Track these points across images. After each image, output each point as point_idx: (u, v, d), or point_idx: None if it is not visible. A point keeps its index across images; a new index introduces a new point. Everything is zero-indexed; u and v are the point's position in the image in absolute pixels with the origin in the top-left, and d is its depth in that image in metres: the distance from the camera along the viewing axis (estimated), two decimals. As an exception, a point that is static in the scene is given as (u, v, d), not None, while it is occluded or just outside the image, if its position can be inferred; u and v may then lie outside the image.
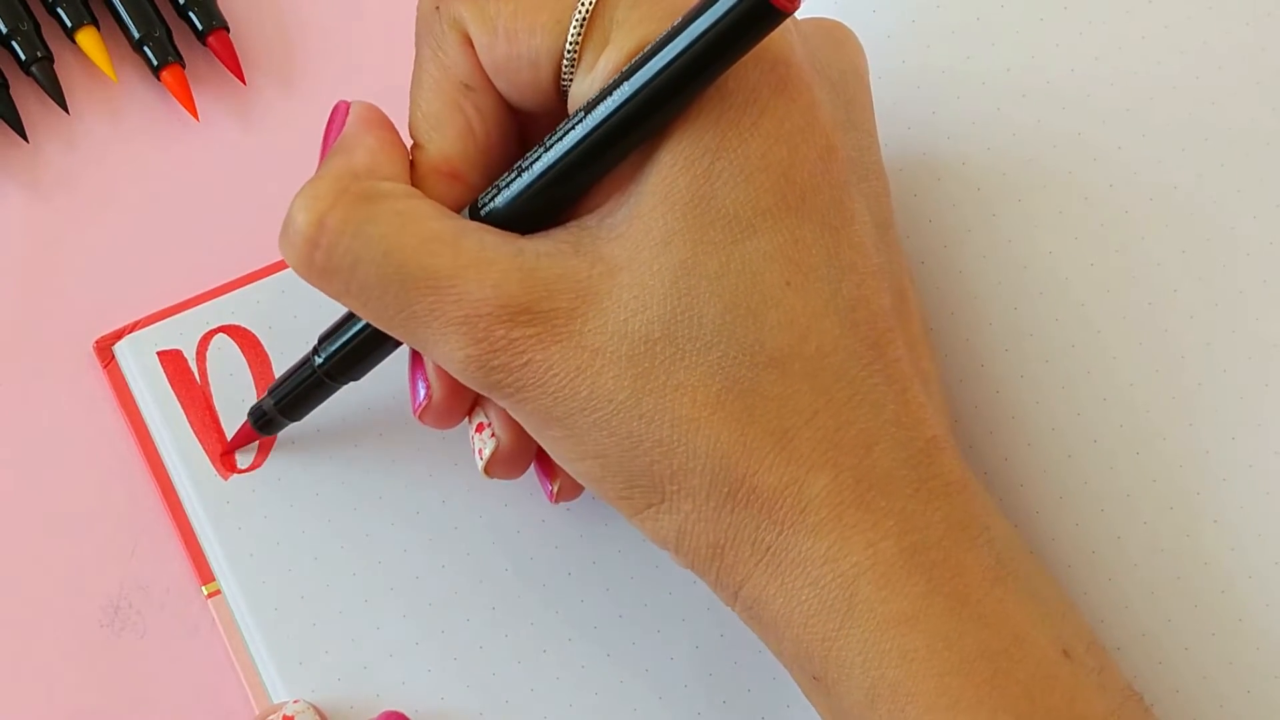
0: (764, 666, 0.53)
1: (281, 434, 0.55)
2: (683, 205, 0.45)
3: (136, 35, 0.59)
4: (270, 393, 0.54)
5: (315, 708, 0.52)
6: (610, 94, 0.45)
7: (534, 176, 0.47)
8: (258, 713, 0.53)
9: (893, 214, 0.50)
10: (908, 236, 0.54)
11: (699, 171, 0.45)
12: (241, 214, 0.58)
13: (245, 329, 0.56)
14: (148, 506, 0.55)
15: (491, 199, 0.47)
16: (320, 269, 0.46)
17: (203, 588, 0.54)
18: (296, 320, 0.56)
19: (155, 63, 0.59)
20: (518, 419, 0.48)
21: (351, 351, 0.51)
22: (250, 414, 0.54)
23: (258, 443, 0.55)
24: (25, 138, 0.59)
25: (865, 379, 0.46)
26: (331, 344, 0.51)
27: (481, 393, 0.47)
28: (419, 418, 0.51)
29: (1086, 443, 0.55)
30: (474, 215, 0.48)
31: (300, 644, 0.53)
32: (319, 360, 0.52)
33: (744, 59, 0.45)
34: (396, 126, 0.49)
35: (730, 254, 0.45)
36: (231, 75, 0.60)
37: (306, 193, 0.47)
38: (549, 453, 0.48)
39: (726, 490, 0.46)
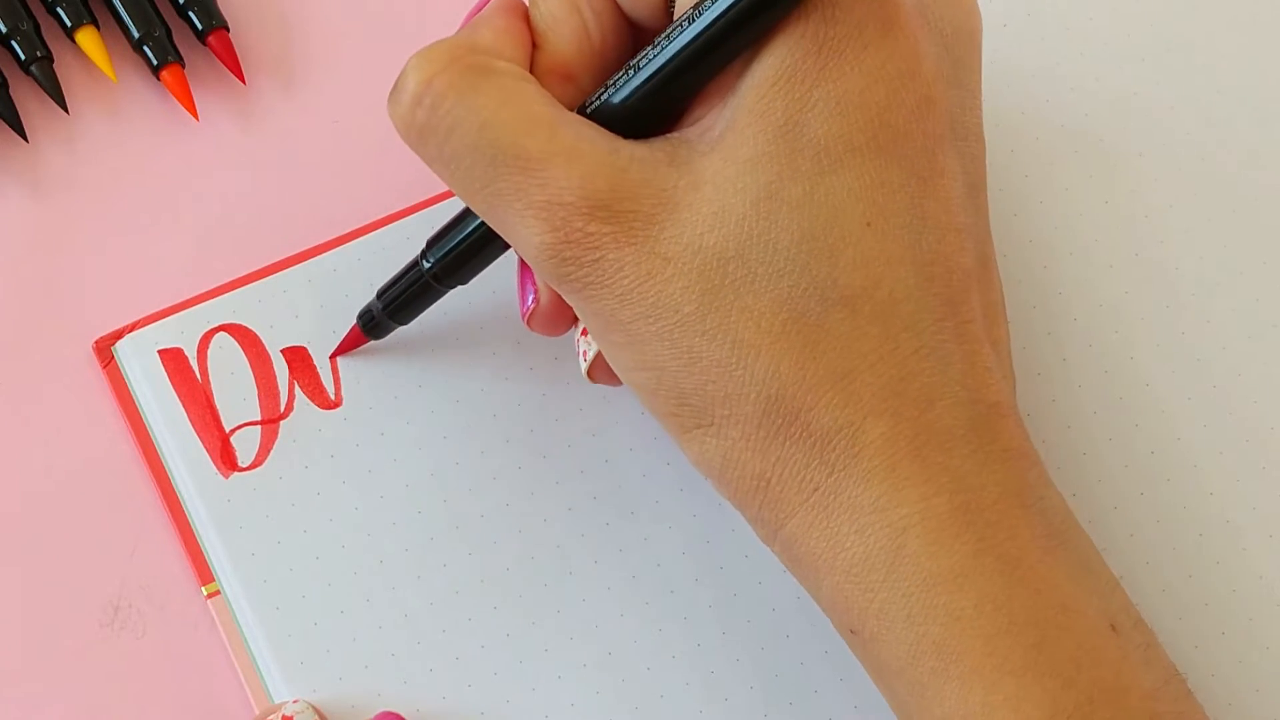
0: (767, 664, 0.55)
1: (283, 431, 0.56)
2: (775, 128, 0.46)
3: (136, 35, 0.60)
4: (379, 295, 0.55)
5: (315, 707, 0.53)
6: None
7: (643, 76, 0.48)
8: (257, 713, 0.54)
9: (985, 178, 0.51)
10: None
11: (797, 95, 0.46)
12: (241, 213, 0.59)
13: (247, 328, 0.57)
14: (147, 508, 0.56)
15: (599, 99, 0.49)
16: (419, 128, 0.48)
17: (202, 588, 0.55)
18: (298, 320, 0.57)
19: (155, 62, 0.60)
20: (583, 319, 0.49)
21: (460, 254, 0.53)
22: (359, 317, 0.56)
23: (259, 441, 0.56)
24: (25, 137, 0.60)
25: (935, 334, 0.47)
26: (440, 247, 0.53)
27: (551, 284, 0.49)
28: (527, 323, 0.52)
29: (1102, 441, 0.57)
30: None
31: (302, 643, 0.54)
32: (427, 264, 0.54)
33: None
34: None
35: (815, 184, 0.46)
36: (231, 75, 0.61)
37: (422, 54, 0.48)
38: (610, 360, 0.49)
39: (779, 422, 0.47)
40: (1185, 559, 0.56)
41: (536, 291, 0.52)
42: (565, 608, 0.55)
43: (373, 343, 0.57)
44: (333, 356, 0.57)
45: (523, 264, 0.52)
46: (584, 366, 0.52)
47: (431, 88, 0.48)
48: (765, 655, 0.55)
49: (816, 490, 0.47)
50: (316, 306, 0.58)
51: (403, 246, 0.58)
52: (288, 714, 0.53)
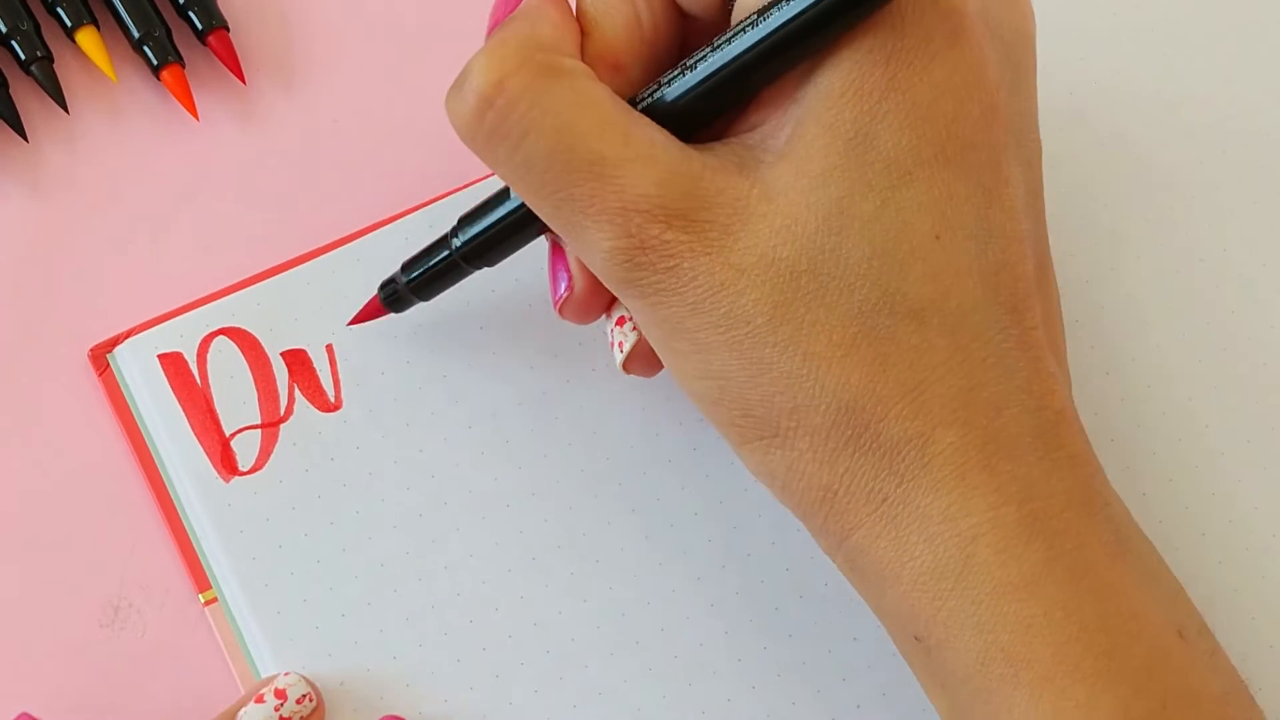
0: (769, 664, 0.55)
1: (283, 434, 0.56)
2: (845, 140, 0.46)
3: (136, 35, 0.60)
4: (404, 268, 0.55)
5: (306, 679, 0.54)
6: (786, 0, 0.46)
7: (700, 77, 0.47)
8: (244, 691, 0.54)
9: (1043, 183, 0.51)
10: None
11: (866, 107, 0.46)
12: (241, 214, 0.59)
13: (246, 331, 0.57)
14: (145, 515, 0.56)
15: (651, 95, 0.48)
16: (488, 132, 0.47)
17: (199, 595, 0.56)
18: (297, 323, 0.57)
19: (155, 62, 0.60)
20: (644, 324, 0.49)
21: (492, 236, 0.52)
22: (381, 288, 0.56)
23: (259, 444, 0.56)
24: (25, 137, 0.60)
25: (1001, 342, 0.47)
26: (472, 226, 0.53)
27: (614, 288, 0.48)
28: (559, 311, 0.52)
29: (1104, 442, 0.57)
30: None
31: (303, 647, 0.54)
32: (457, 242, 0.53)
33: (920, 4, 0.46)
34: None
35: (886, 199, 0.46)
36: (231, 75, 0.61)
37: (490, 52, 0.47)
38: (669, 367, 0.49)
39: (849, 433, 0.47)
40: (1188, 559, 0.56)
41: (570, 279, 0.51)
42: (567, 609, 0.55)
43: (373, 346, 0.57)
44: (350, 324, 0.57)
45: (555, 251, 0.52)
46: (620, 358, 0.52)
47: (504, 89, 0.47)
48: (768, 654, 0.55)
49: (885, 501, 0.47)
50: (316, 309, 0.58)
51: (402, 248, 0.57)
52: (280, 686, 0.53)
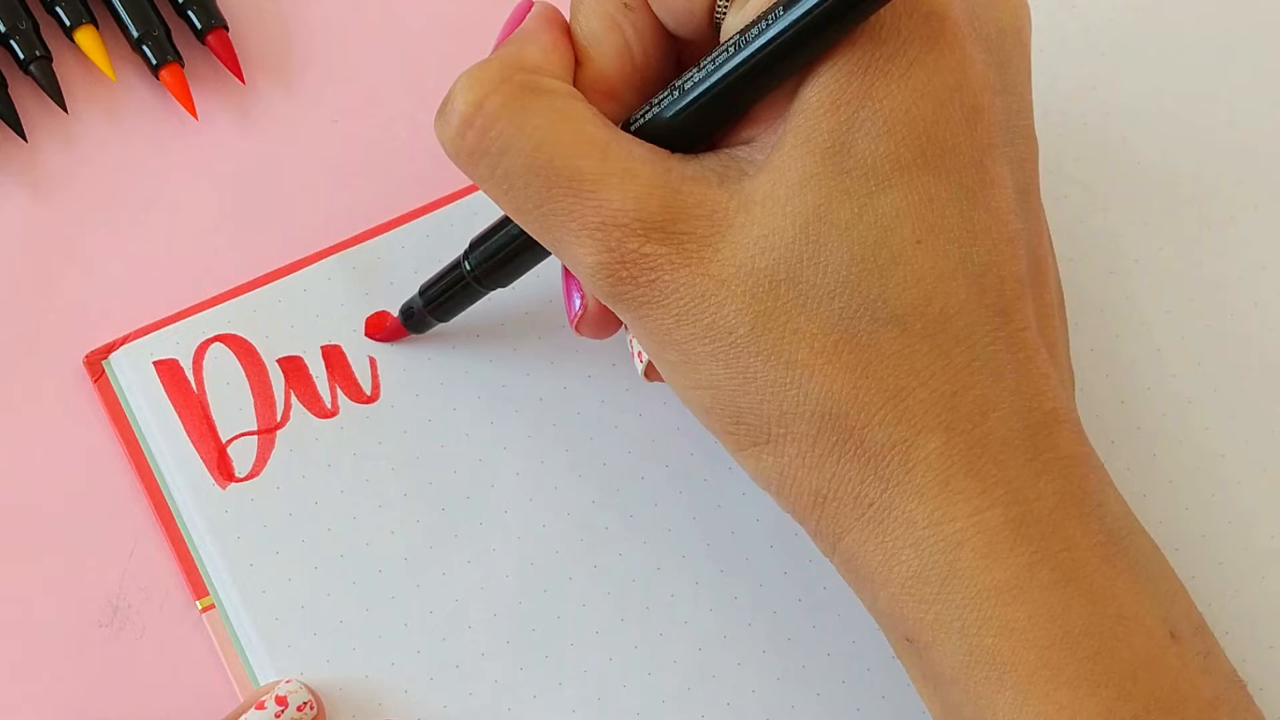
0: (768, 669, 0.55)
1: (279, 441, 0.56)
2: (822, 150, 0.46)
3: (135, 34, 0.60)
4: (421, 292, 0.55)
5: (308, 686, 0.53)
6: (769, 20, 0.46)
7: (689, 98, 0.47)
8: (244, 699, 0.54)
9: (1038, 180, 0.50)
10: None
11: (842, 118, 0.46)
12: (240, 216, 0.59)
13: (242, 338, 0.57)
14: (142, 522, 0.56)
15: (644, 116, 0.48)
16: (469, 150, 0.48)
17: (196, 603, 0.55)
18: (294, 329, 0.57)
19: (154, 62, 0.60)
20: (637, 336, 0.49)
21: (502, 257, 0.53)
22: (401, 310, 0.56)
23: (256, 451, 0.56)
24: (24, 137, 0.60)
25: (987, 345, 0.47)
26: (483, 249, 0.53)
27: (605, 302, 0.48)
28: (576, 329, 0.52)
29: (1104, 445, 0.56)
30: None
31: (301, 653, 0.54)
32: (468, 265, 0.53)
33: (899, 7, 0.46)
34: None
35: (863, 205, 0.46)
36: (230, 74, 0.61)
37: (471, 74, 0.48)
38: (664, 378, 0.49)
39: (834, 440, 0.47)
40: (1188, 560, 0.56)
41: (583, 296, 0.52)
42: (565, 613, 0.55)
43: (367, 355, 0.57)
44: (371, 337, 0.57)
45: (567, 270, 0.52)
46: (640, 367, 0.52)
47: (483, 109, 0.47)
48: (767, 659, 0.55)
49: (871, 506, 0.47)
50: (311, 316, 0.57)
51: (397, 255, 0.57)
52: (281, 694, 0.53)
